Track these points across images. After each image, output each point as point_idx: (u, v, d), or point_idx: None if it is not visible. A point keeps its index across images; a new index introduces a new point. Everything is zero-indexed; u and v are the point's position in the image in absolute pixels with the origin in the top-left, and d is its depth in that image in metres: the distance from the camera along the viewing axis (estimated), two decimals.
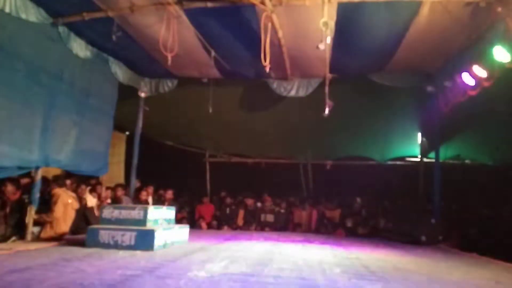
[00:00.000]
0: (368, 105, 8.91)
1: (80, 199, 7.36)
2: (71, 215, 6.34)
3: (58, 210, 6.09)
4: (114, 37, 5.96)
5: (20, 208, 6.00)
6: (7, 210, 5.88)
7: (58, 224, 6.15)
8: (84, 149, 6.97)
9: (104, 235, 5.24)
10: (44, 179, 6.43)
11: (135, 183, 8.81)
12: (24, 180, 6.28)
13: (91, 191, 7.70)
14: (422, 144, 10.06)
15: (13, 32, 5.45)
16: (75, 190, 7.23)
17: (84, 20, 6.08)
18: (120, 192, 8.28)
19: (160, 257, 4.66)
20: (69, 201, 6.35)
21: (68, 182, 7.11)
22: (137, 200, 8.44)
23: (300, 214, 9.78)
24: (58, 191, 6.33)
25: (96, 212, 6.98)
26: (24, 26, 5.58)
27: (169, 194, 9.41)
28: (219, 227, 9.62)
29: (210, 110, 8.37)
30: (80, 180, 7.65)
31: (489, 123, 7.93)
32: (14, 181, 6.06)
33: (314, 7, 5.44)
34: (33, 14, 5.70)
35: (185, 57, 7.24)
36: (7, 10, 5.24)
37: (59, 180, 6.73)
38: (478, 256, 6.03)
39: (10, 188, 5.86)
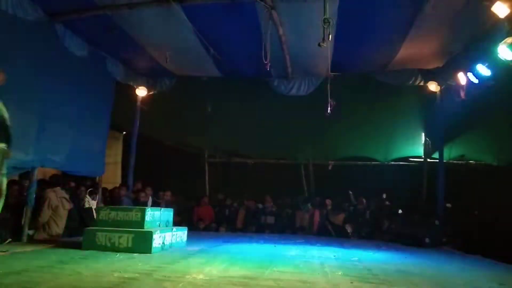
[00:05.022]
0: (371, 104, 8.86)
1: (79, 200, 7.30)
2: (63, 216, 6.26)
3: (45, 215, 6.04)
4: (111, 35, 5.89)
5: (19, 211, 5.95)
6: (7, 214, 5.82)
7: (50, 226, 6.10)
8: (80, 149, 6.90)
9: (101, 237, 5.16)
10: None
11: (135, 184, 8.72)
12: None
13: (91, 193, 7.63)
14: (425, 144, 9.98)
15: (9, 30, 5.38)
16: (74, 192, 7.16)
17: (81, 18, 6.04)
18: (123, 192, 8.20)
19: (158, 259, 4.58)
20: (59, 202, 6.25)
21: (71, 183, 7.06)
22: (136, 201, 8.36)
23: (302, 216, 9.67)
24: (47, 192, 6.23)
25: (95, 215, 6.89)
26: (20, 24, 5.51)
27: (167, 195, 9.32)
28: (218, 229, 9.51)
29: (209, 109, 8.30)
30: (79, 181, 7.59)
31: (493, 122, 7.85)
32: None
33: (315, 4, 5.37)
34: (29, 12, 5.65)
35: (183, 55, 7.19)
36: (3, 8, 5.20)
37: (46, 183, 6.58)
38: (482, 258, 5.98)
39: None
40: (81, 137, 6.92)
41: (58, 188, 6.43)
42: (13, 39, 5.48)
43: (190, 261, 4.56)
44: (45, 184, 6.51)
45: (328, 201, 9.63)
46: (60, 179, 6.76)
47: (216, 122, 9.66)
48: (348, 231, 8.84)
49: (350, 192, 9.60)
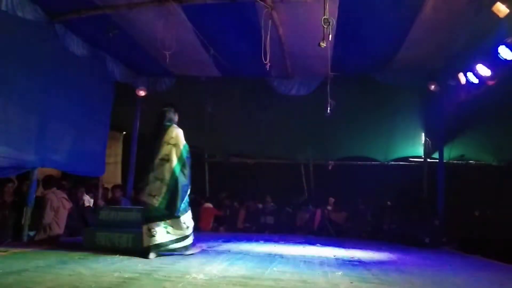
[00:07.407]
0: (371, 104, 8.84)
1: (77, 200, 7.29)
2: (63, 217, 6.25)
3: (48, 216, 6.03)
4: (111, 35, 5.88)
5: (18, 210, 5.94)
6: (6, 212, 5.82)
7: (52, 228, 6.08)
8: (80, 149, 6.90)
9: (101, 237, 5.13)
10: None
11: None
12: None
13: (87, 192, 7.61)
14: (425, 144, 9.96)
15: (9, 30, 5.37)
16: (71, 191, 7.15)
17: (81, 17, 6.03)
18: (118, 193, 8.17)
19: (158, 259, 4.56)
20: (60, 203, 6.24)
21: (63, 182, 7.03)
22: (136, 201, 8.32)
23: (302, 216, 9.65)
24: (47, 194, 6.21)
25: None
26: (20, 24, 5.50)
27: None
28: (218, 229, 9.50)
29: (209, 109, 8.29)
30: (78, 181, 7.57)
31: (493, 122, 7.85)
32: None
33: (315, 4, 5.36)
34: (29, 12, 5.62)
35: (183, 55, 7.16)
36: (3, 8, 5.17)
37: (49, 182, 6.57)
38: (482, 258, 5.97)
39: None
40: (81, 137, 6.92)
41: (54, 189, 6.42)
42: (13, 39, 5.46)
43: (190, 261, 4.54)
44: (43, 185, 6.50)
45: (330, 200, 9.62)
46: (54, 180, 6.74)
47: (216, 122, 9.64)
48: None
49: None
